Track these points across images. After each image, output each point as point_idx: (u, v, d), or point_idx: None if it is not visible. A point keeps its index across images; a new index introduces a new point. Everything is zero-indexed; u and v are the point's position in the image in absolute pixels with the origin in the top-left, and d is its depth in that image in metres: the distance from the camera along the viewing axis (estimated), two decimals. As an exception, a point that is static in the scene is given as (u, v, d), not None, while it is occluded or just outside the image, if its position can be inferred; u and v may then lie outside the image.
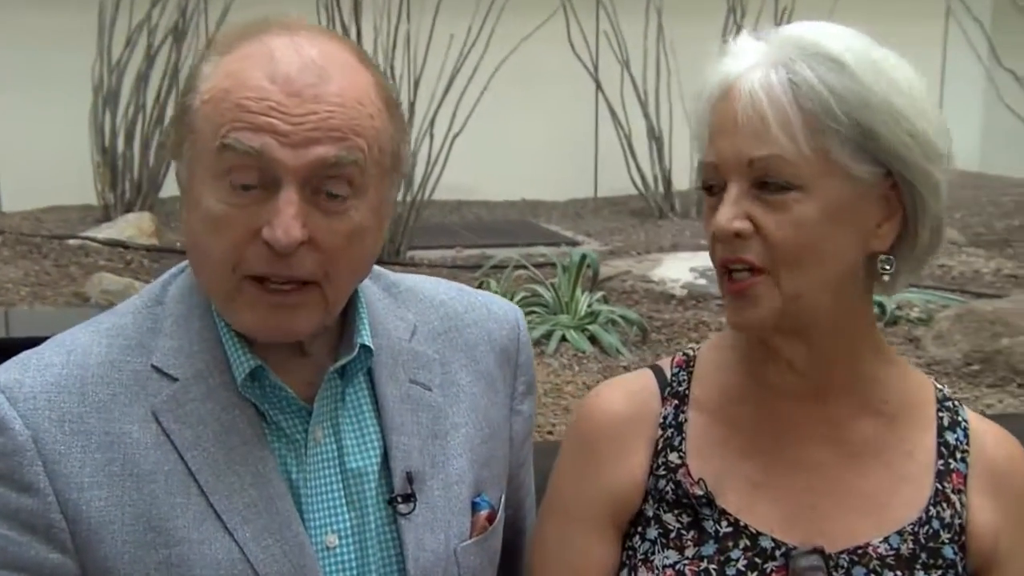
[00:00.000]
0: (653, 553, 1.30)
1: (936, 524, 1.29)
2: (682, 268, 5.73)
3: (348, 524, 1.23)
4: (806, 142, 1.18)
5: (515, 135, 8.15)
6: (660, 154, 8.03)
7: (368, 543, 1.24)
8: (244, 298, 1.17)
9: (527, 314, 4.47)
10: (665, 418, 1.34)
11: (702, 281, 5.51)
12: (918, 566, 1.27)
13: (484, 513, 1.31)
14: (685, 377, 1.36)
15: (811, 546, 1.26)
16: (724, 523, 1.28)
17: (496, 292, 3.54)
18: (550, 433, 3.69)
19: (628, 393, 1.36)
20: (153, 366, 1.21)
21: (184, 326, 1.23)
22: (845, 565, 1.26)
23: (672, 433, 1.33)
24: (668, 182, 8.08)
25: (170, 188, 7.31)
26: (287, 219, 1.13)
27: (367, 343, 1.25)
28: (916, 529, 1.28)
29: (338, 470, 1.24)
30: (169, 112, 7.18)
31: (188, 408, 1.20)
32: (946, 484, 1.31)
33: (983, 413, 1.46)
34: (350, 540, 1.23)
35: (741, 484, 1.30)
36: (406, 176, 1.26)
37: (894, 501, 1.30)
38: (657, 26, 7.98)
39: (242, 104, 1.14)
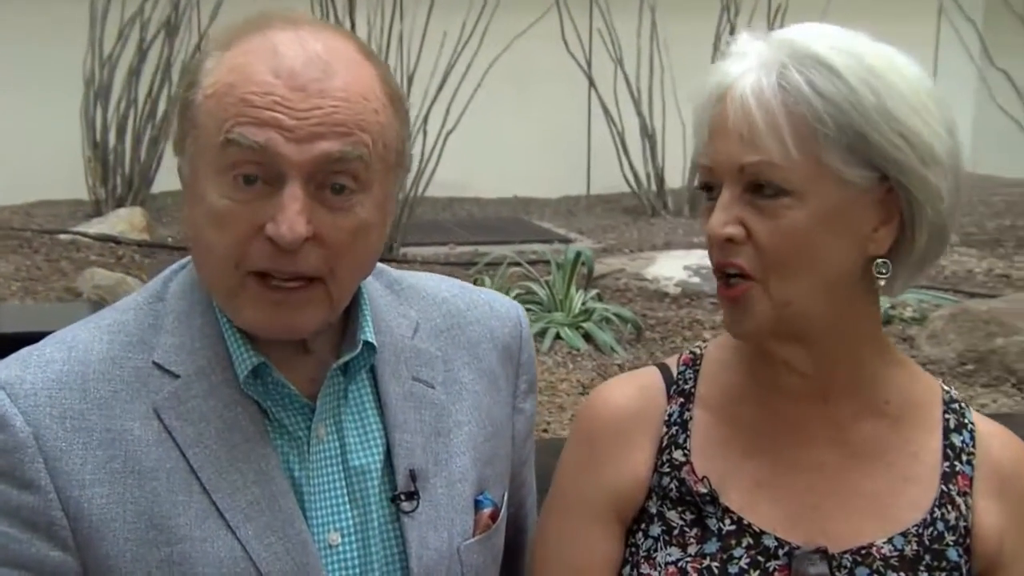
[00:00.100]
0: (656, 550, 1.30)
1: (941, 526, 1.29)
2: (676, 266, 5.73)
3: (351, 522, 1.23)
4: (796, 147, 1.18)
5: (508, 132, 8.15)
6: (653, 152, 8.04)
7: (371, 541, 1.23)
8: (247, 294, 1.16)
9: (521, 311, 4.45)
10: (670, 416, 1.34)
11: (696, 279, 5.51)
12: (922, 567, 1.27)
13: (487, 511, 1.31)
14: (691, 375, 1.36)
15: (814, 546, 1.26)
16: (727, 521, 1.28)
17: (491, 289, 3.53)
18: (544, 431, 3.69)
19: (634, 390, 1.36)
20: (154, 363, 1.20)
21: (186, 322, 1.23)
22: (848, 565, 1.26)
23: (677, 431, 1.33)
24: (661, 180, 8.09)
25: (161, 183, 7.30)
26: (292, 215, 1.12)
27: (371, 340, 1.25)
28: (920, 531, 1.28)
29: (341, 468, 1.23)
30: (161, 107, 7.17)
31: (190, 405, 1.19)
32: (951, 486, 1.31)
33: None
34: (353, 538, 1.23)
35: (745, 483, 1.30)
36: (409, 172, 1.26)
37: (899, 502, 1.30)
38: (651, 24, 7.98)
39: (246, 99, 1.13)
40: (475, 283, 4.62)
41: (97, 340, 1.21)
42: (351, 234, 1.16)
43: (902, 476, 1.30)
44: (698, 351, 1.39)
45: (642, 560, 1.30)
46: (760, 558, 1.27)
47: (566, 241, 6.93)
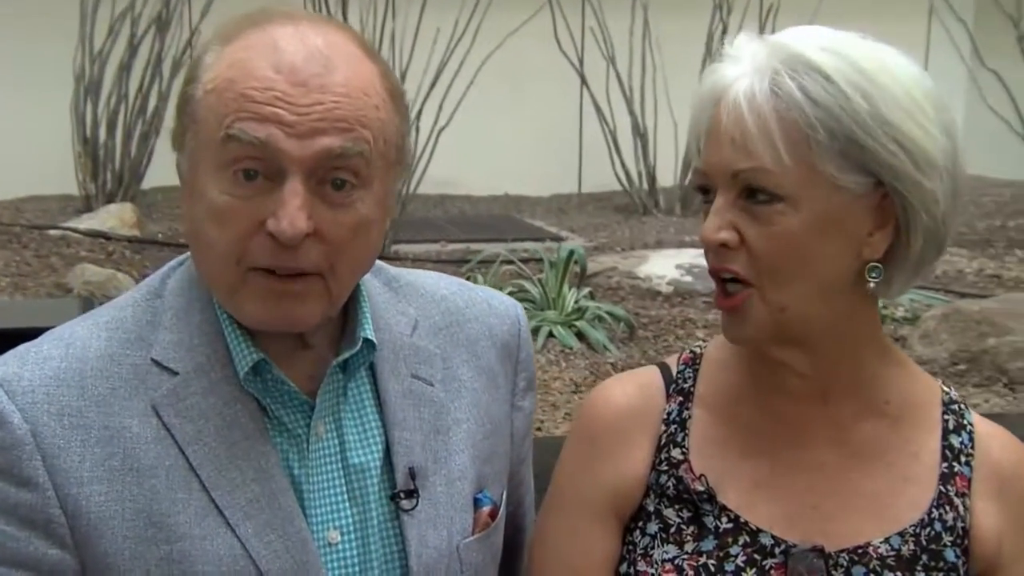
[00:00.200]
0: (653, 547, 1.30)
1: (938, 526, 1.29)
2: (668, 265, 5.74)
3: (350, 520, 1.22)
4: (788, 153, 1.18)
5: (500, 130, 8.16)
6: (645, 150, 8.05)
7: (370, 539, 1.23)
8: (249, 289, 1.16)
9: (514, 309, 4.46)
10: (669, 414, 1.34)
11: (688, 278, 5.52)
12: (919, 567, 1.27)
13: (486, 509, 1.30)
14: (691, 375, 1.36)
15: (811, 544, 1.26)
16: (724, 519, 1.28)
17: (485, 287, 3.53)
18: (538, 429, 3.70)
19: (634, 388, 1.36)
20: (153, 360, 1.20)
21: (184, 319, 1.22)
22: (845, 564, 1.26)
23: (676, 429, 1.33)
24: (652, 178, 8.11)
25: (152, 179, 7.29)
26: (292, 210, 1.11)
27: (370, 337, 1.24)
28: (918, 531, 1.28)
29: (340, 465, 1.23)
30: (152, 103, 7.15)
31: (189, 402, 1.18)
32: (950, 487, 1.31)
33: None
34: (352, 536, 1.22)
35: (743, 483, 1.30)
36: (410, 168, 1.25)
37: (897, 502, 1.30)
38: (643, 22, 8.00)
39: (247, 94, 1.12)
40: (468, 280, 4.62)
41: (95, 337, 1.21)
42: (351, 230, 1.16)
43: (902, 476, 1.31)
44: (698, 350, 1.39)
45: (639, 557, 1.30)
46: (757, 556, 1.27)
47: (558, 239, 6.93)
